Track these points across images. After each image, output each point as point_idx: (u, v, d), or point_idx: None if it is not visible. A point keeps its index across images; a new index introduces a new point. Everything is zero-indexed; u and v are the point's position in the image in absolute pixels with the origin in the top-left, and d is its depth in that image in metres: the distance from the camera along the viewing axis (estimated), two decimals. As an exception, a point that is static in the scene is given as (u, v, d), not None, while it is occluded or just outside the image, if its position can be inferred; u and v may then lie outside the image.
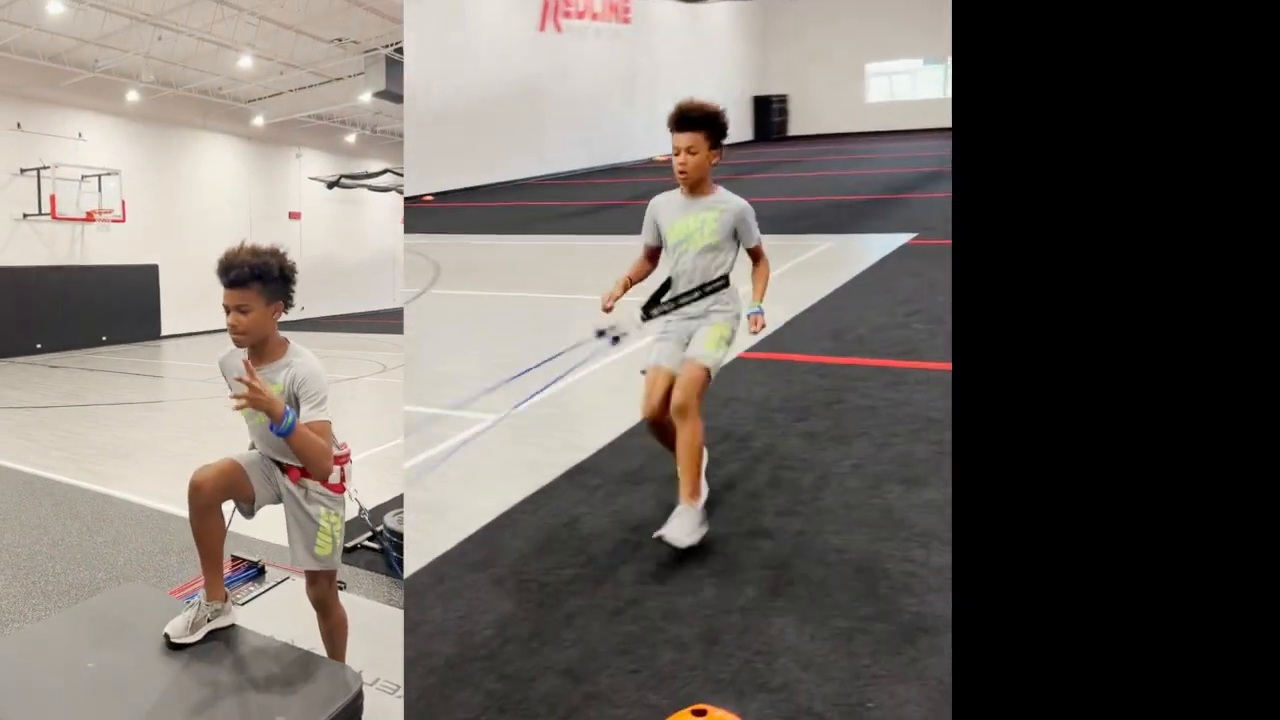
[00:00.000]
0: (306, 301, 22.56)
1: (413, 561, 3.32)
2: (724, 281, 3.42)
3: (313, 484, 2.93)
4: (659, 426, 3.39)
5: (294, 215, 26.34)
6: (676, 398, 3.20)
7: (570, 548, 3.35)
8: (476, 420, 4.75)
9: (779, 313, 6.59)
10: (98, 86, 18.91)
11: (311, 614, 3.10)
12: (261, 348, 2.84)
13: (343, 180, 22.08)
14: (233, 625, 2.99)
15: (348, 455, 3.04)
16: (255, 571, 4.16)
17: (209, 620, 2.90)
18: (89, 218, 19.07)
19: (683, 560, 3.16)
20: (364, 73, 18.53)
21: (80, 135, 19.45)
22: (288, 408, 2.70)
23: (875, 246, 9.53)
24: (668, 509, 3.30)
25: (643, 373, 3.42)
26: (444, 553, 3.36)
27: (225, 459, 2.91)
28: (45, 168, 18.23)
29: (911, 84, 31.11)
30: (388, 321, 23.12)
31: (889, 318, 6.55)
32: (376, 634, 3.39)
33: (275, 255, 2.84)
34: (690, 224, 3.39)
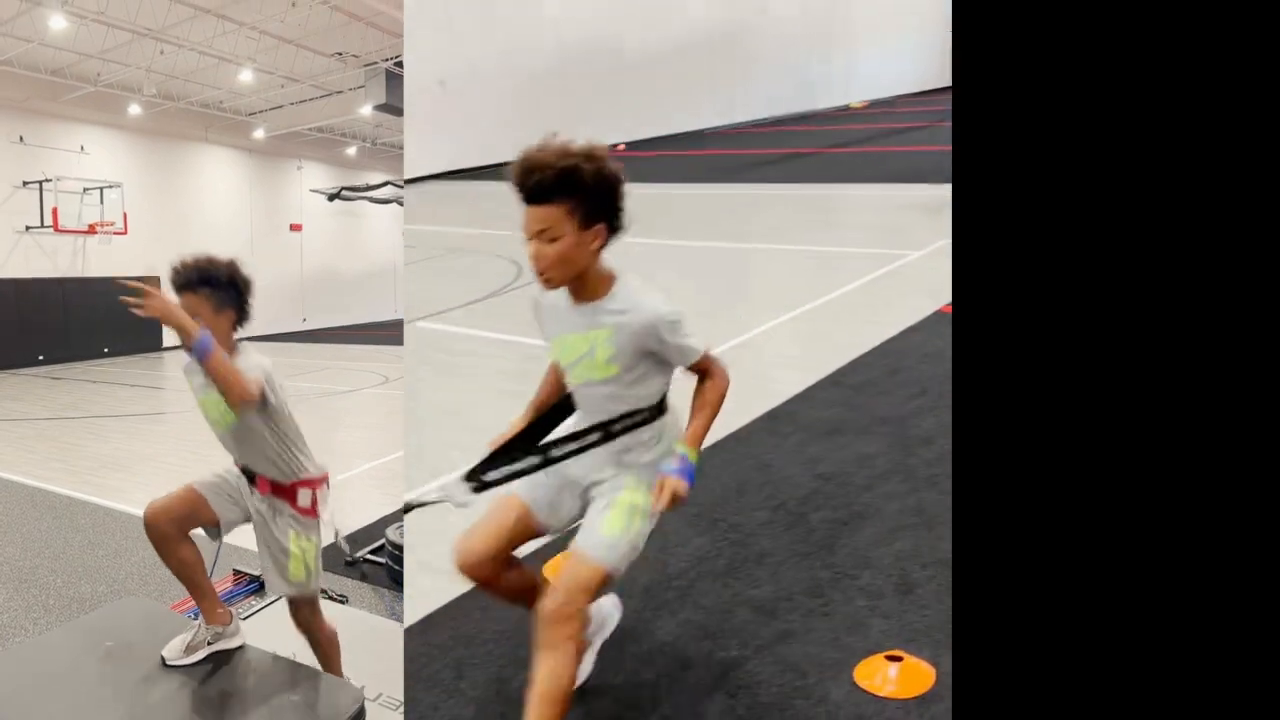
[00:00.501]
0: (307, 313, 22.72)
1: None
2: (646, 415, 2.22)
3: (280, 504, 2.88)
4: (485, 582, 2.30)
5: (295, 227, 26.39)
6: (548, 604, 2.06)
7: (763, 493, 3.50)
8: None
9: None
10: (100, 100, 18.98)
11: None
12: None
13: (343, 192, 22.04)
14: (241, 646, 2.96)
15: (325, 479, 2.98)
16: (256, 585, 4.15)
17: (208, 643, 2.86)
18: (91, 230, 19.12)
19: (876, 511, 3.25)
20: (364, 86, 18.61)
21: (82, 148, 19.52)
22: (203, 331, 2.55)
23: None
24: (861, 459, 3.66)
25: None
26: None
27: (182, 487, 2.88)
28: (47, 180, 18.29)
29: None
30: (389, 333, 23.12)
31: None
32: (378, 648, 3.38)
33: (227, 264, 2.82)
34: (578, 346, 2.20)
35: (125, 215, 19.62)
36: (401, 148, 27.92)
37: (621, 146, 17.86)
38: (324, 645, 3.09)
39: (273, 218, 25.37)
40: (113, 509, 6.65)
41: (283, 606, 3.84)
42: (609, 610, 2.62)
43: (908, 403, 4.29)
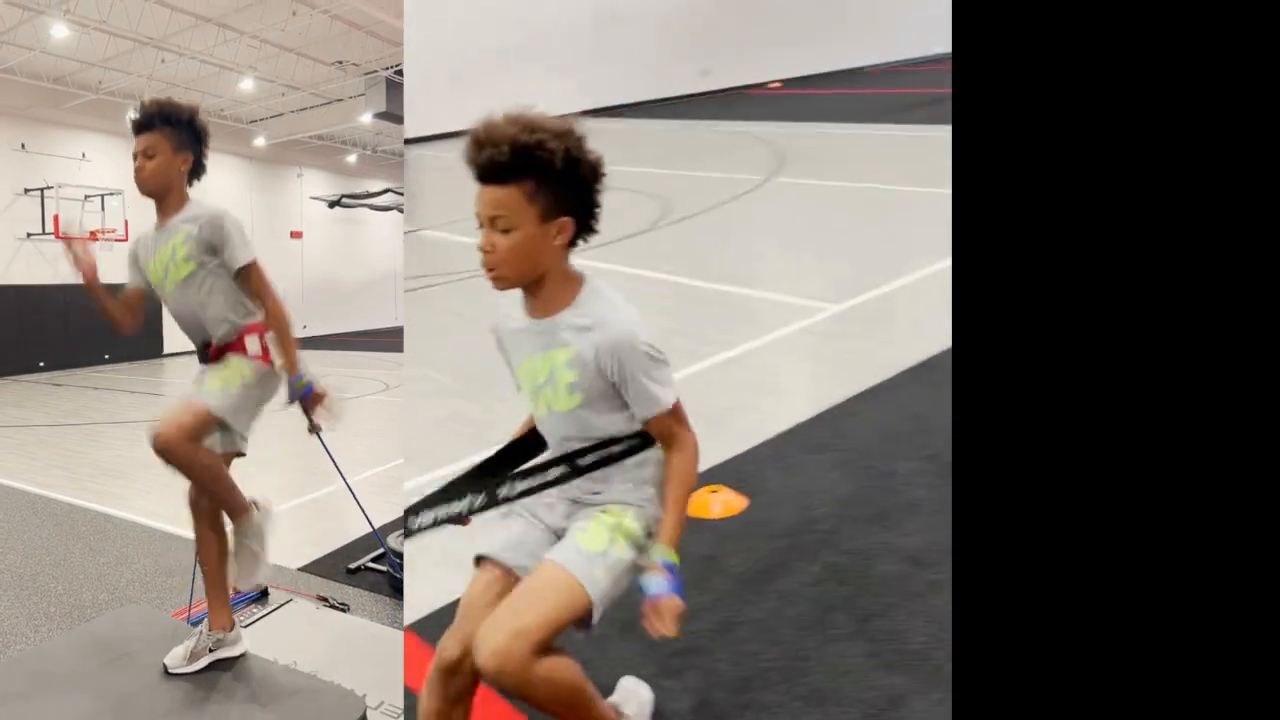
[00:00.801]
0: (308, 319, 22.68)
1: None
2: (625, 446, 1.85)
3: (235, 359, 2.79)
4: (448, 673, 1.80)
5: (295, 234, 26.43)
6: (485, 663, 1.66)
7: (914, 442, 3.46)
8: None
9: None
10: (101, 108, 19.01)
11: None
12: (166, 199, 2.80)
13: (344, 200, 22.08)
14: (242, 655, 2.93)
15: (262, 325, 2.84)
16: (258, 593, 4.16)
17: (210, 650, 2.83)
18: (92, 237, 19.11)
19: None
20: (364, 94, 18.66)
21: (84, 156, 19.56)
22: (299, 373, 2.71)
23: None
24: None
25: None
26: (783, 431, 3.53)
27: (179, 403, 2.75)
28: (49, 188, 18.33)
29: None
30: (389, 340, 23.13)
31: None
32: (380, 656, 3.39)
33: (190, 107, 2.84)
34: (539, 369, 1.86)
35: (126, 222, 19.58)
36: (400, 155, 27.98)
37: (778, 84, 17.55)
38: (194, 467, 2.76)
39: (273, 224, 25.39)
40: (114, 516, 6.65)
41: (283, 615, 3.87)
42: (632, 688, 2.15)
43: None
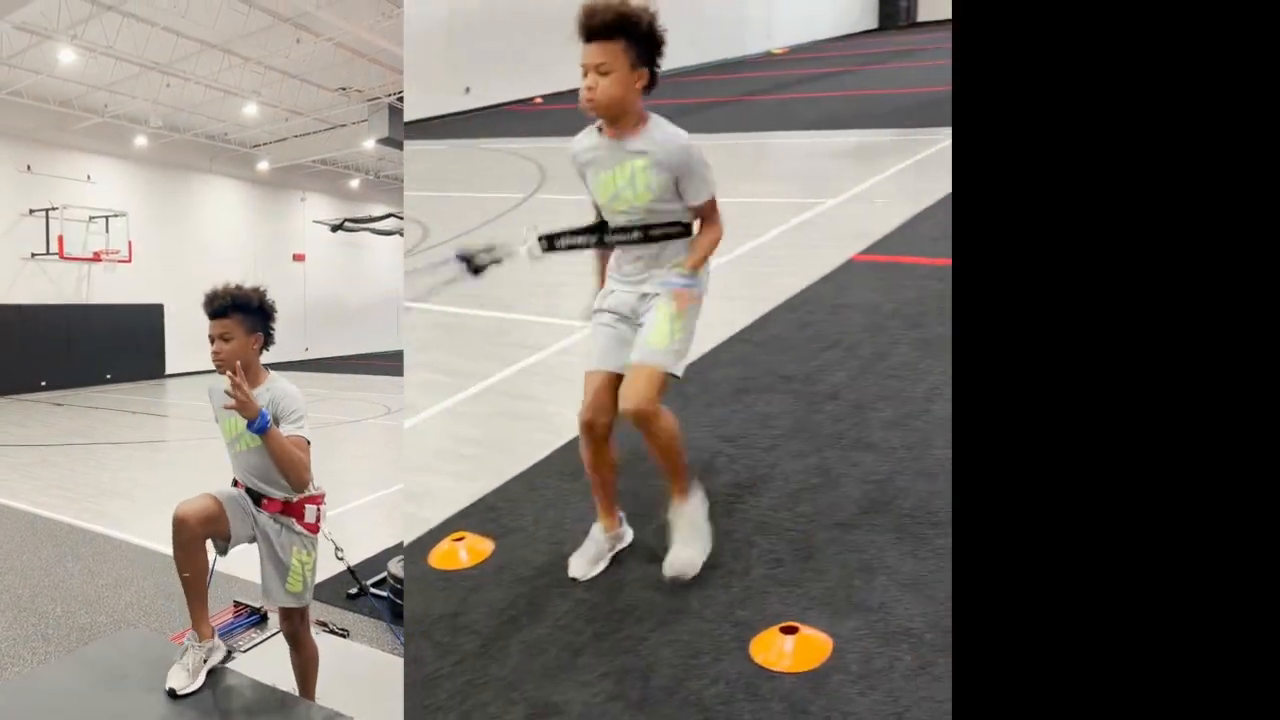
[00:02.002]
0: (310, 342, 22.72)
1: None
2: (681, 228, 2.64)
3: (289, 521, 3.05)
4: (598, 440, 2.71)
5: (298, 257, 26.52)
6: (627, 407, 2.56)
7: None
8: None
9: (904, 209, 6.59)
10: (107, 131, 19.15)
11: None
12: (243, 375, 2.93)
13: (346, 224, 22.17)
14: (226, 666, 3.02)
15: (322, 496, 3.15)
16: (257, 618, 4.16)
17: (204, 661, 2.93)
18: (96, 258, 19.23)
19: (768, 477, 3.20)
20: (367, 120, 18.81)
21: (89, 177, 19.67)
22: (264, 410, 2.84)
23: None
24: (764, 420, 3.61)
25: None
26: (540, 460, 3.56)
27: (205, 495, 3.02)
28: (54, 209, 18.43)
29: None
30: (391, 363, 23.15)
31: None
32: (379, 683, 3.39)
33: (255, 292, 3.08)
34: (617, 178, 2.60)
35: (130, 244, 19.74)
36: (402, 180, 28.11)
37: (539, 100, 17.65)
38: (307, 658, 3.22)
39: (276, 248, 25.49)
40: (113, 537, 6.65)
41: (281, 639, 3.85)
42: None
43: (814, 358, 4.21)
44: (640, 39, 2.47)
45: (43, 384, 18.03)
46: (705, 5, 21.17)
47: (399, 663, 3.63)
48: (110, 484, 8.90)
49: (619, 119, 2.55)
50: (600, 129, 2.60)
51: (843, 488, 3.07)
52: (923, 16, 28.98)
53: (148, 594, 5.35)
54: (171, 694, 2.80)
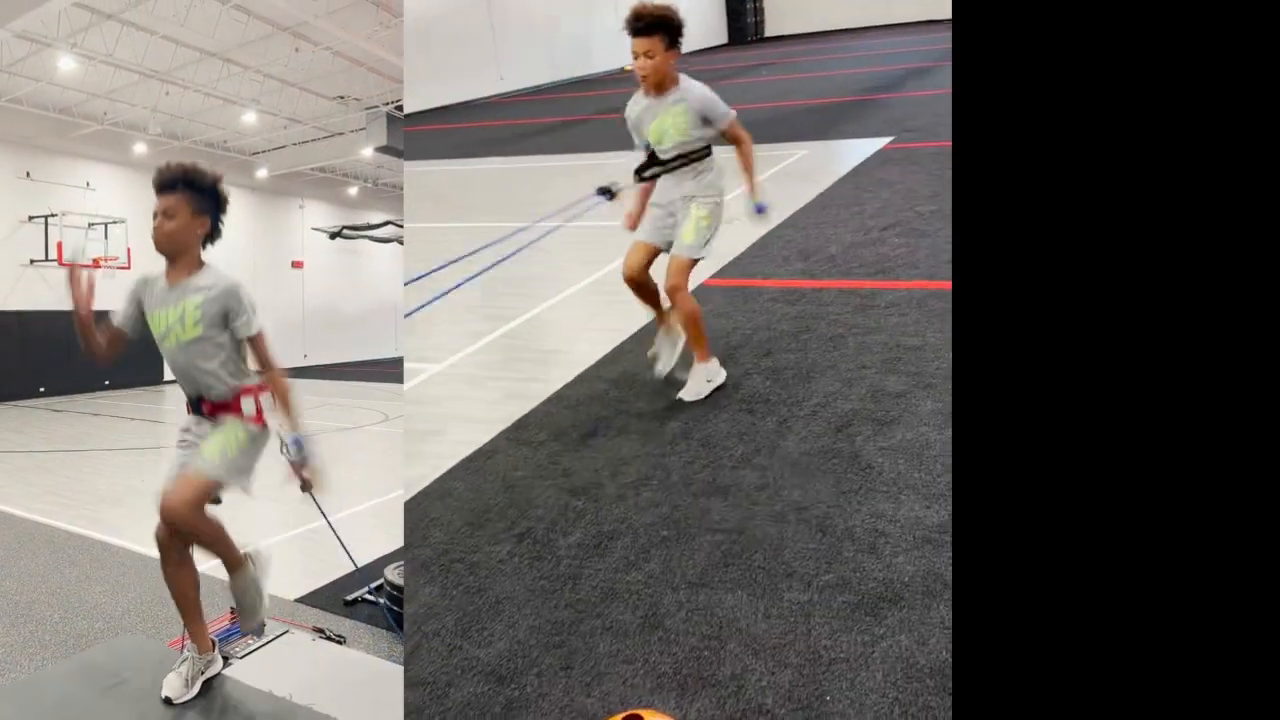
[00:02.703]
0: (309, 349, 22.72)
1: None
2: (706, 150, 3.89)
3: (225, 417, 2.88)
4: (636, 285, 4.02)
5: (297, 264, 26.54)
6: (667, 283, 3.85)
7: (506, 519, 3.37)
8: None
9: (747, 234, 6.38)
10: (106, 138, 19.17)
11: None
12: (181, 260, 2.86)
13: (345, 231, 22.19)
14: (222, 675, 2.99)
15: (262, 387, 2.94)
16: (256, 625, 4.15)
17: (201, 672, 2.89)
18: (95, 264, 19.21)
19: (616, 533, 3.06)
20: (365, 128, 18.87)
21: (88, 184, 19.70)
22: (293, 439, 2.78)
23: (851, 153, 9.10)
24: (616, 466, 3.46)
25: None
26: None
27: (175, 479, 2.86)
28: (53, 215, 18.45)
29: None
30: (389, 370, 23.14)
31: (863, 234, 6.21)
32: (376, 690, 3.39)
33: (212, 173, 2.91)
34: (665, 122, 3.83)
35: (129, 250, 19.72)
36: (401, 188, 28.15)
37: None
38: (199, 534, 2.91)
39: (275, 255, 25.50)
40: (110, 544, 6.65)
41: (278, 646, 3.87)
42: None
43: (664, 393, 4.10)
44: (672, 30, 3.68)
45: (41, 390, 18.02)
46: (560, 24, 21.33)
47: (395, 669, 3.64)
48: (108, 490, 8.90)
49: (662, 83, 3.77)
50: (646, 93, 3.84)
51: (693, 539, 2.95)
52: (770, 32, 29.61)
53: (144, 600, 5.36)
54: (167, 702, 2.79)
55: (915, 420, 3.52)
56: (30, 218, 18.45)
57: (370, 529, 6.84)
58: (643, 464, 3.49)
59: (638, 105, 3.90)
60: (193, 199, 2.84)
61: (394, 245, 25.47)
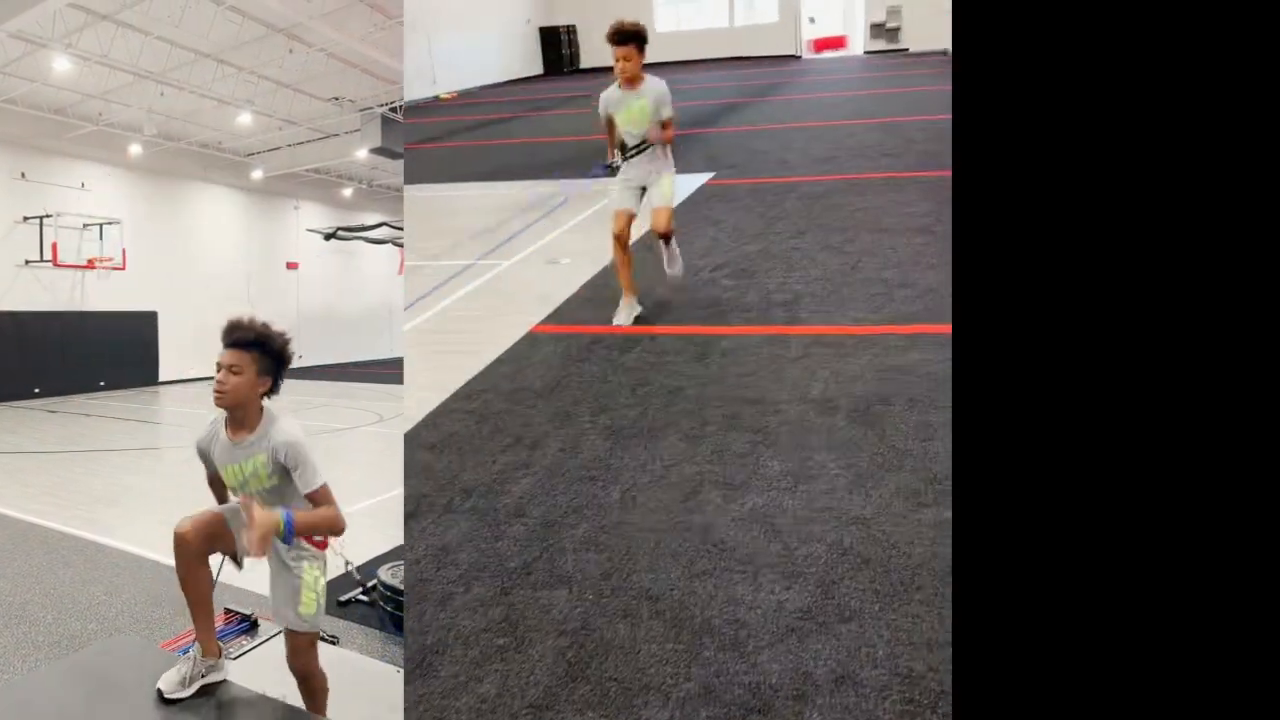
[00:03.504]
0: (303, 350, 22.78)
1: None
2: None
3: (296, 539, 2.93)
4: (622, 242, 5.20)
5: (291, 265, 26.54)
6: (660, 227, 5.19)
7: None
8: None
9: (585, 269, 6.34)
10: (101, 139, 19.16)
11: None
12: (242, 416, 2.87)
13: (339, 232, 22.21)
14: (224, 680, 2.99)
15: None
16: (248, 625, 4.17)
17: (203, 675, 2.89)
18: (90, 265, 19.23)
19: (442, 645, 2.72)
20: (360, 130, 18.87)
21: (83, 185, 19.69)
22: (285, 514, 2.73)
23: (680, 186, 9.01)
24: (439, 556, 3.21)
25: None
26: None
27: (207, 510, 2.94)
28: (48, 216, 18.44)
29: (697, 12, 29.44)
30: (384, 371, 23.15)
31: (693, 274, 6.05)
32: (371, 691, 3.40)
33: (281, 335, 2.93)
34: (632, 111, 5.06)
35: (124, 251, 19.75)
36: (397, 190, 28.16)
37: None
38: (317, 685, 3.12)
39: (269, 256, 25.52)
40: (105, 545, 6.65)
41: (272, 646, 3.88)
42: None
43: (495, 461, 3.75)
44: (643, 40, 4.91)
45: (36, 391, 18.01)
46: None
47: (389, 670, 3.66)
48: (102, 491, 8.90)
49: (634, 80, 4.97)
50: (620, 87, 5.02)
51: (533, 648, 2.59)
52: (585, 64, 29.67)
53: (139, 601, 5.36)
54: (159, 695, 2.80)
55: (764, 484, 3.29)
56: (25, 218, 18.44)
57: (365, 530, 6.84)
58: (473, 551, 3.10)
59: (613, 95, 5.11)
60: (260, 360, 2.85)
61: (389, 246, 25.53)
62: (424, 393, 4.59)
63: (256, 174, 23.57)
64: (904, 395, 3.87)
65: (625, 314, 5.23)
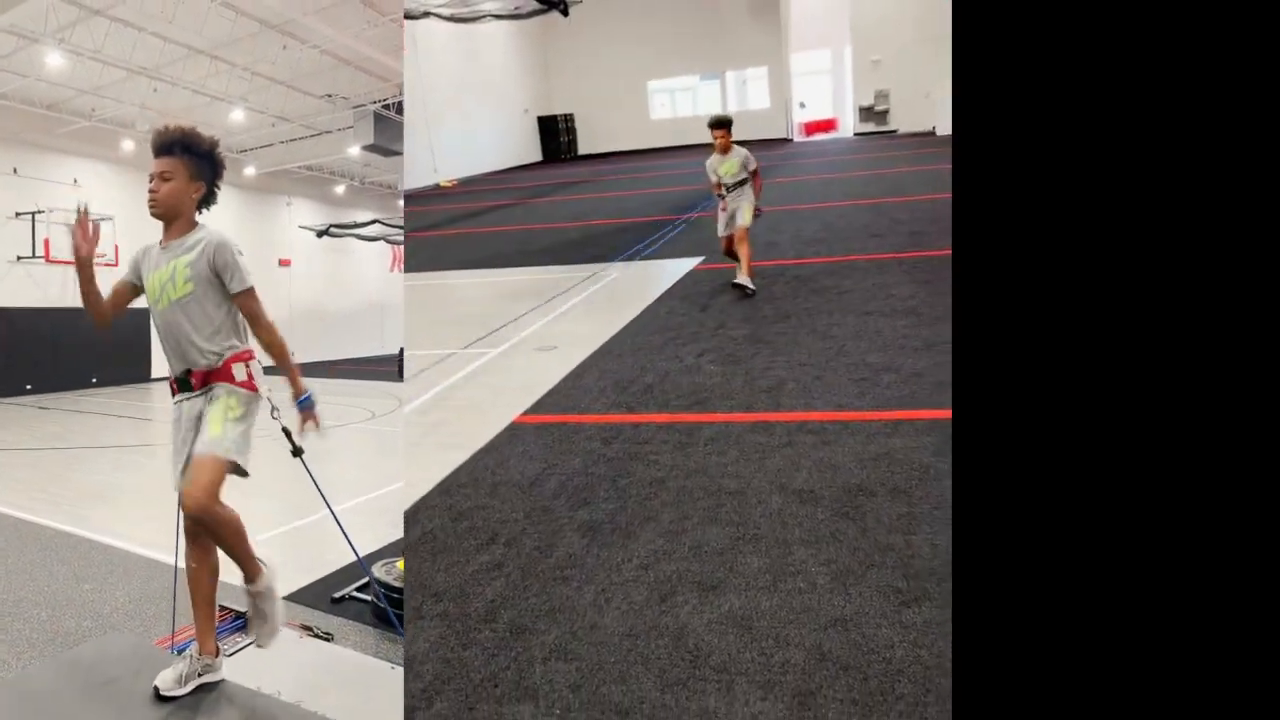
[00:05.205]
0: (295, 347, 22.63)
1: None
2: (745, 180, 7.97)
3: (219, 386, 2.85)
4: (728, 251, 8.21)
5: (284, 262, 26.50)
6: (738, 240, 7.94)
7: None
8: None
9: (573, 354, 6.45)
10: (94, 135, 19.12)
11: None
12: (175, 223, 2.89)
13: (332, 229, 22.30)
14: (220, 681, 2.99)
15: (250, 352, 2.96)
16: (243, 622, 4.18)
17: (199, 674, 2.89)
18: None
19: None
20: (353, 127, 18.87)
21: (75, 181, 19.63)
22: (306, 391, 2.83)
23: (663, 274, 9.20)
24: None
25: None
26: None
27: (192, 470, 2.76)
28: (40, 212, 18.39)
29: (692, 100, 30.80)
30: (376, 368, 23.14)
31: (678, 361, 6.17)
32: (364, 687, 3.41)
33: (209, 138, 2.94)
34: (728, 166, 7.93)
35: (116, 247, 19.66)
36: (389, 187, 28.14)
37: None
38: (226, 533, 2.82)
39: (262, 253, 25.47)
40: (99, 542, 6.64)
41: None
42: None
43: (470, 561, 3.63)
44: (728, 124, 7.97)
45: (28, 388, 17.97)
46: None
47: (383, 666, 3.67)
48: (95, 488, 8.90)
49: (726, 149, 7.94)
50: (718, 153, 7.94)
51: None
52: (582, 150, 31.21)
53: (132, 598, 5.37)
54: (155, 692, 2.80)
55: (742, 583, 3.18)
56: (17, 214, 18.40)
57: (359, 526, 6.86)
58: (437, 663, 2.94)
59: (714, 159, 7.98)
60: (190, 163, 2.86)
61: (381, 243, 25.54)
62: (405, 486, 4.54)
63: (249, 170, 23.53)
64: (887, 485, 3.83)
65: (744, 279, 7.89)
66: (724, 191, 7.98)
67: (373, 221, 21.91)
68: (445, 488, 4.44)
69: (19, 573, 5.94)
